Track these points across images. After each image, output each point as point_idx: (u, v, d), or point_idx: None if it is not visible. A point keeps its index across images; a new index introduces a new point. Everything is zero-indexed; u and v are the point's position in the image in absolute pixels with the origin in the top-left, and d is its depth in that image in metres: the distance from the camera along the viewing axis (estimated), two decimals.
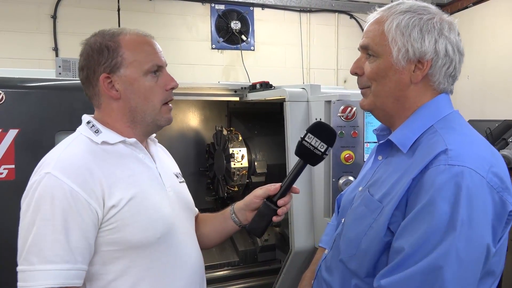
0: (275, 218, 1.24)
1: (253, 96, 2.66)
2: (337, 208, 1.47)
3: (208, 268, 2.54)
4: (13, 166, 1.80)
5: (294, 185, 1.27)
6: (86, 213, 1.04)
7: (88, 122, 1.19)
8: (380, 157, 1.19)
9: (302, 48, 4.92)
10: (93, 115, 1.23)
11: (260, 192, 1.29)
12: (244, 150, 2.75)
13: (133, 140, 1.19)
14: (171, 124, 3.21)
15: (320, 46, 5.01)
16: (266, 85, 2.62)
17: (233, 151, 2.71)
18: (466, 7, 4.50)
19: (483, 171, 0.95)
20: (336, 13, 5.02)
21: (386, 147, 1.16)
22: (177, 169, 1.40)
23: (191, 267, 1.24)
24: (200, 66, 4.54)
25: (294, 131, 2.27)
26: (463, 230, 0.91)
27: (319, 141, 1.16)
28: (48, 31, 4.00)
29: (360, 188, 1.19)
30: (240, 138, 2.81)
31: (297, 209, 2.24)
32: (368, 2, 4.99)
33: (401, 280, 0.94)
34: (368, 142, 2.11)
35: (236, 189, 2.77)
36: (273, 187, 1.28)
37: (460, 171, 0.93)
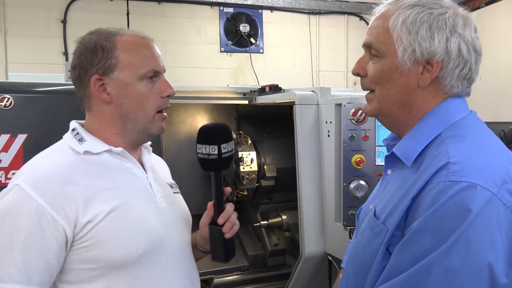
0: (227, 236, 1.12)
1: (262, 100, 2.64)
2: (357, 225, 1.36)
3: (217, 272, 2.53)
4: None
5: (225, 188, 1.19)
6: (50, 231, 0.96)
7: (73, 130, 1.12)
8: (389, 171, 1.07)
9: (312, 51, 4.89)
10: (83, 121, 1.16)
11: (204, 220, 1.19)
12: (253, 154, 2.73)
13: (119, 149, 1.10)
14: (180, 128, 3.22)
15: (329, 48, 4.97)
16: (275, 88, 2.60)
17: (242, 154, 2.69)
18: (478, 7, 4.43)
19: (493, 187, 0.81)
20: (346, 15, 4.98)
21: (395, 160, 1.02)
22: (171, 180, 1.31)
23: (181, 283, 1.15)
24: (209, 69, 4.53)
25: (304, 134, 2.24)
26: (459, 247, 0.78)
27: (207, 146, 1.05)
28: (58, 35, 4.02)
29: (371, 206, 1.07)
30: (249, 141, 2.78)
31: (307, 214, 2.21)
32: (377, 4, 4.94)
33: None
34: (380, 146, 2.07)
35: (245, 193, 2.75)
36: (209, 209, 1.18)
37: (463, 188, 0.80)
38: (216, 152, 1.05)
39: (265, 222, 2.76)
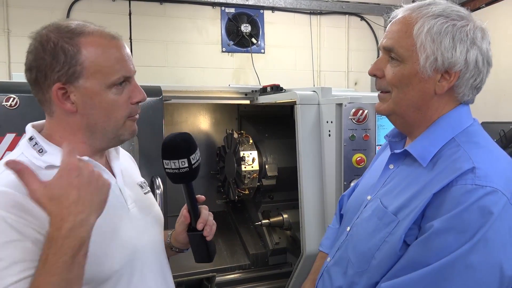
0: (208, 239, 1.14)
1: (264, 99, 2.66)
2: (339, 211, 1.43)
3: (219, 271, 2.55)
4: None
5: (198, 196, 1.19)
6: (31, 232, 0.86)
7: (31, 139, 0.99)
8: (391, 166, 1.13)
9: (313, 51, 4.91)
10: (42, 121, 1.06)
11: (179, 228, 1.19)
12: (255, 153, 2.75)
13: (85, 158, 0.96)
14: (182, 127, 3.25)
15: (330, 49, 4.99)
16: (276, 88, 2.62)
17: (243, 154, 2.71)
18: (479, 8, 4.45)
19: (508, 192, 0.90)
20: (347, 15, 5.00)
21: (400, 156, 1.10)
22: (140, 178, 1.25)
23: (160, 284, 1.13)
24: (210, 69, 4.55)
25: (305, 134, 2.26)
26: (479, 246, 0.87)
27: (176, 161, 1.03)
28: None
29: (368, 197, 1.13)
30: (251, 141, 2.80)
31: (308, 213, 2.23)
32: (378, 4, 4.96)
33: (403, 283, 0.92)
34: (380, 145, 2.09)
35: (247, 192, 2.77)
36: (185, 217, 1.17)
37: (488, 192, 0.88)
38: (186, 165, 1.03)
39: (267, 221, 2.78)
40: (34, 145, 0.98)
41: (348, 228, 1.16)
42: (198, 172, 1.08)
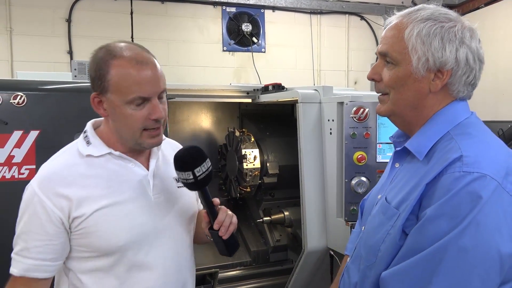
0: (224, 237, 1.25)
1: (265, 98, 2.69)
2: (361, 214, 1.45)
3: (221, 267, 2.58)
4: (34, 166, 1.85)
5: (214, 198, 1.28)
6: (49, 220, 1.16)
7: (85, 132, 1.26)
8: (397, 164, 1.19)
9: (313, 50, 4.94)
10: (101, 119, 1.29)
11: (203, 225, 1.32)
12: (256, 151, 2.78)
13: (117, 153, 1.23)
14: (184, 125, 3.27)
15: (330, 48, 5.02)
16: (278, 87, 2.65)
17: (245, 152, 2.74)
18: (478, 8, 4.48)
19: (499, 177, 0.94)
20: (347, 15, 5.03)
21: (403, 154, 1.15)
22: (175, 174, 1.38)
23: (163, 272, 1.26)
24: (211, 68, 4.58)
25: (307, 132, 2.29)
26: (470, 229, 0.90)
27: (183, 173, 1.17)
28: (63, 34, 4.07)
29: (379, 196, 1.19)
30: (253, 139, 2.83)
31: (310, 210, 2.26)
32: (378, 4, 4.99)
33: (400, 270, 0.97)
34: (381, 143, 2.13)
35: (248, 189, 2.80)
36: (204, 217, 1.29)
37: (475, 178, 0.93)
38: (191, 177, 1.16)
39: (268, 218, 2.80)
40: (85, 137, 1.25)
41: (363, 228, 1.21)
42: (209, 180, 1.19)
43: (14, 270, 1.18)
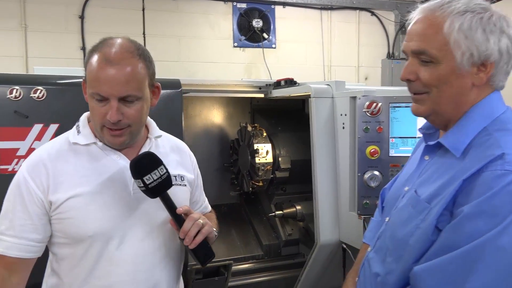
0: (190, 247, 1.20)
1: (277, 93, 2.71)
2: (381, 204, 1.43)
3: (233, 260, 2.61)
4: None
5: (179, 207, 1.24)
6: (32, 200, 1.20)
7: (78, 121, 1.30)
8: (427, 157, 1.15)
9: (323, 46, 4.95)
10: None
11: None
12: (268, 146, 2.80)
13: (100, 144, 1.25)
14: (196, 121, 3.31)
15: (341, 44, 5.03)
16: (290, 82, 2.67)
17: (257, 146, 2.76)
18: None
19: None
20: (357, 10, 5.03)
21: (434, 148, 1.13)
22: (175, 172, 1.34)
23: (132, 268, 1.24)
24: (222, 64, 4.61)
25: (319, 127, 2.31)
26: (510, 229, 0.89)
27: (136, 181, 1.16)
28: (76, 30, 4.13)
29: (406, 188, 1.16)
30: (265, 134, 2.85)
31: (322, 203, 2.28)
32: None
33: (434, 265, 0.96)
34: (394, 137, 2.14)
35: (260, 184, 2.82)
36: (171, 225, 1.26)
37: None
38: (142, 185, 1.15)
39: (280, 212, 2.83)
40: (77, 126, 1.29)
41: (387, 219, 1.19)
42: (164, 188, 1.18)
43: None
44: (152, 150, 1.30)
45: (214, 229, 1.31)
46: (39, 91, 1.89)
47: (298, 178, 2.83)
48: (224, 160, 3.19)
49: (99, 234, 1.21)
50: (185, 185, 1.36)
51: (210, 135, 3.20)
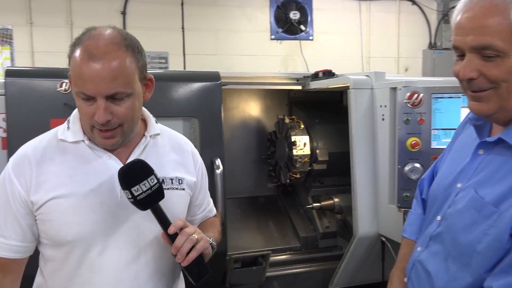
0: (183, 265, 1.10)
1: (315, 85, 2.70)
2: (420, 195, 1.37)
3: (271, 251, 2.64)
4: None
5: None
6: (16, 199, 1.14)
7: (69, 116, 1.21)
8: (481, 151, 1.07)
9: (362, 37, 4.87)
10: None
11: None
12: (306, 138, 2.79)
13: (87, 142, 1.16)
14: (234, 113, 3.36)
15: (380, 35, 4.92)
16: (328, 74, 2.65)
17: (295, 139, 2.77)
18: None
19: None
20: (398, 0, 4.90)
21: (489, 143, 1.04)
22: (174, 174, 1.25)
23: (114, 276, 1.16)
24: (259, 57, 4.62)
25: (358, 118, 2.29)
26: None
27: (124, 191, 1.06)
28: (118, 26, 4.25)
29: (459, 185, 1.08)
30: (302, 126, 2.85)
31: (361, 196, 2.26)
32: None
33: None
34: (436, 129, 2.09)
35: (298, 176, 2.83)
36: (163, 239, 1.15)
37: None
38: (130, 196, 1.06)
39: (318, 204, 2.83)
40: (67, 121, 1.21)
41: (439, 218, 1.11)
42: (155, 200, 1.08)
43: None
44: (148, 150, 1.21)
45: (214, 241, 1.23)
46: (65, 84, 1.96)
47: (336, 170, 2.82)
48: (262, 152, 3.22)
49: (79, 239, 1.13)
50: (183, 189, 1.25)
51: (248, 128, 3.23)
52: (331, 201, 2.79)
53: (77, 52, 1.06)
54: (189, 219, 1.34)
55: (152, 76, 1.19)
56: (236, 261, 2.20)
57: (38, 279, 1.24)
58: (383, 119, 2.22)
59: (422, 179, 1.35)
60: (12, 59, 4.20)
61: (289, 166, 2.85)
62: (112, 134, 1.11)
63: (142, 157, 1.18)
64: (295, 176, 2.84)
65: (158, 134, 1.25)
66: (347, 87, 2.31)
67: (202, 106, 2.18)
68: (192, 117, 2.18)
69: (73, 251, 1.14)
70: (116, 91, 1.06)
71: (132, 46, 1.09)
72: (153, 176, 1.08)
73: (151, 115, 1.28)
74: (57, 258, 1.17)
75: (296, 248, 2.88)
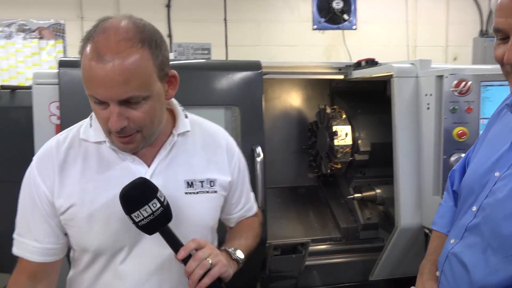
0: None
1: (358, 74, 2.66)
2: (451, 187, 1.34)
3: (311, 241, 2.64)
4: None
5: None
6: (43, 200, 1.09)
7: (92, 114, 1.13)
8: None
9: (408, 26, 4.72)
10: None
11: None
12: (347, 128, 2.77)
13: (109, 144, 1.09)
14: (275, 104, 3.39)
15: (427, 23, 4.76)
16: (371, 62, 2.60)
17: (336, 128, 2.74)
18: None
19: None
20: None
21: None
22: (205, 175, 1.17)
23: (135, 285, 1.12)
24: (301, 47, 4.60)
25: (402, 108, 2.23)
26: None
27: (147, 206, 0.98)
28: (163, 19, 4.37)
29: (497, 174, 1.04)
30: (344, 116, 2.82)
31: (403, 186, 2.22)
32: None
33: None
34: (484, 118, 2.01)
35: (339, 166, 2.81)
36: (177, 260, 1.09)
37: None
38: (131, 222, 1.00)
39: (359, 195, 2.80)
40: (90, 117, 1.14)
41: (475, 208, 1.08)
42: (159, 225, 1.01)
43: (17, 251, 1.12)
44: (176, 150, 1.14)
45: (240, 256, 1.14)
46: None
47: (378, 161, 2.77)
48: (302, 142, 3.21)
49: (102, 249, 1.10)
50: (215, 192, 1.18)
51: (289, 118, 3.23)
52: (373, 192, 2.75)
53: (87, 50, 0.96)
54: (225, 217, 1.31)
55: (175, 72, 1.08)
56: (275, 248, 2.22)
57: (70, 272, 1.22)
58: (428, 108, 2.16)
59: (453, 171, 1.31)
60: (64, 52, 4.43)
61: (330, 156, 2.83)
62: (130, 139, 1.03)
63: (169, 158, 1.12)
64: (336, 166, 2.82)
65: (187, 132, 1.16)
66: (391, 76, 2.26)
67: (244, 94, 2.21)
68: (234, 105, 2.22)
69: (97, 259, 1.12)
70: (130, 95, 0.96)
71: (148, 40, 0.97)
72: (155, 200, 0.99)
73: (180, 109, 1.18)
74: (83, 261, 1.14)
75: (336, 239, 2.87)
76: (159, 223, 1.01)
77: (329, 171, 2.89)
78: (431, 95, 2.13)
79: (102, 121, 1.02)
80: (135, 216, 0.98)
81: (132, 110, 0.98)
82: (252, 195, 1.37)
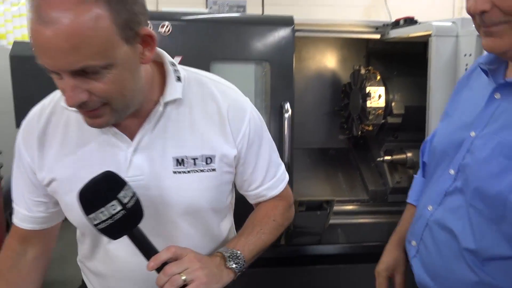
0: None
1: (395, 33, 2.57)
2: (422, 158, 1.32)
3: (338, 202, 2.67)
4: None
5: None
6: (28, 171, 1.03)
7: None
8: (497, 95, 0.99)
9: None
10: None
11: None
12: (381, 90, 2.71)
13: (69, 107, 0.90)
14: (309, 64, 3.34)
15: None
16: (410, 21, 2.50)
17: (370, 90, 2.70)
18: None
19: None
20: None
21: (507, 86, 0.97)
22: (201, 151, 0.99)
23: (124, 264, 1.04)
24: (340, 7, 4.46)
25: (438, 69, 2.16)
26: None
27: (104, 209, 0.84)
28: None
29: (472, 133, 1.00)
30: (378, 77, 2.76)
31: None
32: None
33: None
34: None
35: (370, 128, 2.78)
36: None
37: None
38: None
39: (389, 157, 2.77)
40: None
41: (452, 171, 1.03)
42: (123, 230, 0.88)
43: (13, 218, 1.10)
44: (164, 122, 0.97)
45: (236, 266, 0.96)
46: (165, 26, 2.08)
47: (412, 125, 2.72)
48: (335, 104, 3.18)
49: (84, 227, 1.01)
50: (213, 170, 1.00)
51: (323, 79, 3.19)
52: (404, 155, 2.72)
53: (31, 13, 0.76)
54: (243, 193, 1.15)
55: (150, 29, 0.86)
56: (300, 204, 2.26)
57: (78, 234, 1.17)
58: (466, 70, 2.07)
59: (425, 142, 1.28)
60: None
61: (361, 118, 2.79)
62: (98, 113, 0.85)
63: (156, 131, 0.96)
64: (367, 128, 2.79)
65: (177, 99, 0.96)
66: (429, 35, 2.18)
67: (274, 50, 2.19)
68: (264, 60, 2.21)
69: (85, 236, 1.08)
70: (83, 65, 0.76)
71: None
72: (114, 202, 0.84)
73: (171, 69, 0.98)
74: (79, 235, 1.13)
75: (364, 201, 2.88)
76: (122, 227, 0.87)
77: (360, 133, 2.87)
78: (470, 55, 2.04)
79: (62, 92, 0.84)
80: (92, 218, 0.85)
81: (92, 81, 0.80)
82: (276, 171, 1.14)
